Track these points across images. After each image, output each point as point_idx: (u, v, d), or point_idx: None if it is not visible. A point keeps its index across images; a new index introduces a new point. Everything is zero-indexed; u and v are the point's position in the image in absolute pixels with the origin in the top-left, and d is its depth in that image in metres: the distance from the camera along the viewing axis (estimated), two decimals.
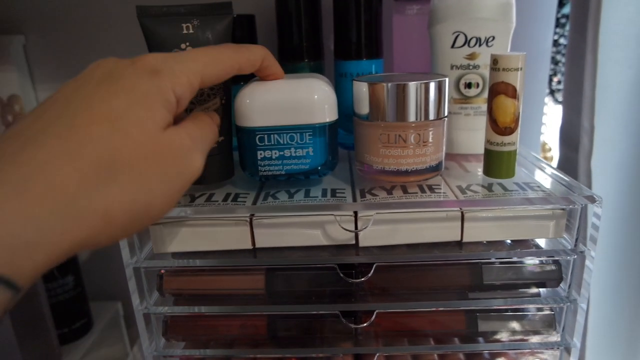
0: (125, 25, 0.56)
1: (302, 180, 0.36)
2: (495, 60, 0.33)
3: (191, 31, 0.35)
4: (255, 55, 0.30)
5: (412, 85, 0.32)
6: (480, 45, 0.38)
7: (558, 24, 0.49)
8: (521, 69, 0.32)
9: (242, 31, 0.46)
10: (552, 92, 0.52)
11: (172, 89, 0.24)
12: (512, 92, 0.33)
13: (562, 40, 0.48)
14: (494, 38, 0.38)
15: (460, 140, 0.41)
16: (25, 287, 0.18)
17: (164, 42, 0.35)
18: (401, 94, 0.32)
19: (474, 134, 0.40)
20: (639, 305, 0.46)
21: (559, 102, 0.58)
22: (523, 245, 0.35)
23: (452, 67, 0.39)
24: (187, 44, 0.35)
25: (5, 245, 0.17)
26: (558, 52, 0.50)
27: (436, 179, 0.37)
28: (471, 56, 0.39)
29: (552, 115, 0.57)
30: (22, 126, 0.21)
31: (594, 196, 0.31)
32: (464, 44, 0.38)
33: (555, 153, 0.65)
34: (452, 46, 0.39)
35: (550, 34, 0.49)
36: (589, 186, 0.40)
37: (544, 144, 0.57)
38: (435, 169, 0.34)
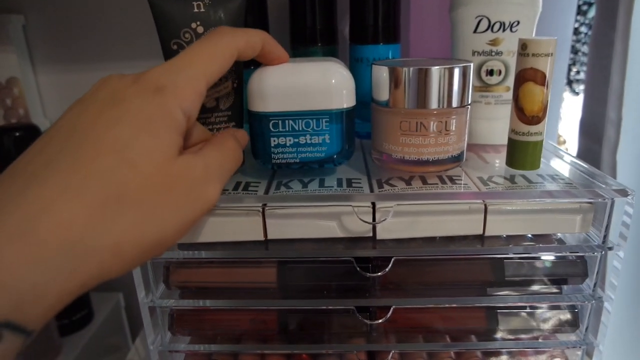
0: (129, 4, 0.54)
1: (316, 169, 0.35)
2: (524, 45, 0.31)
3: (202, 10, 0.34)
4: (254, 37, 0.28)
5: (435, 71, 0.30)
6: (504, 30, 0.36)
7: (579, 12, 0.47)
8: (552, 54, 0.31)
9: (253, 14, 0.44)
10: (569, 83, 0.50)
11: (180, 106, 0.23)
12: (542, 79, 0.31)
13: (582, 29, 0.46)
14: (518, 23, 0.36)
15: (479, 130, 0.39)
16: (37, 330, 0.18)
17: (173, 21, 0.33)
18: (423, 79, 0.30)
19: (494, 124, 0.38)
20: None
21: (576, 93, 0.56)
22: (544, 240, 0.33)
23: (473, 53, 0.37)
24: (198, 23, 0.33)
25: (12, 290, 0.17)
26: (578, 41, 0.48)
27: (456, 170, 0.35)
28: (494, 42, 0.37)
29: (568, 107, 0.56)
30: (26, 160, 0.20)
31: (626, 189, 0.30)
32: (487, 29, 0.37)
33: (570, 145, 0.63)
34: (475, 31, 0.37)
35: (571, 22, 0.48)
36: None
37: (559, 136, 0.55)
38: (457, 159, 0.33)
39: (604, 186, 0.31)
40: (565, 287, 0.34)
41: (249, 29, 0.28)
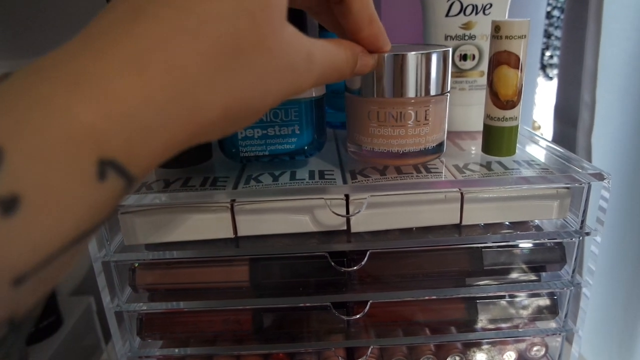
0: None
1: (287, 161, 0.33)
2: (497, 27, 0.30)
3: None
4: None
5: (412, 56, 0.29)
6: (477, 13, 0.35)
7: None
8: (525, 36, 0.30)
9: None
10: (543, 67, 0.49)
11: None
12: (515, 62, 0.30)
13: (555, 12, 0.46)
14: (491, 5, 0.35)
15: (455, 117, 0.38)
16: (139, 179, 0.16)
17: None
18: (399, 66, 0.29)
19: (469, 110, 0.38)
20: (634, 289, 0.44)
21: (550, 78, 0.56)
22: (522, 226, 0.33)
23: (446, 37, 0.36)
24: None
25: (124, 126, 0.14)
26: (551, 25, 0.48)
27: None
28: (467, 25, 0.36)
29: (542, 92, 0.55)
30: None
31: (602, 173, 0.29)
32: (459, 12, 0.36)
33: (545, 131, 0.63)
34: (447, 15, 0.36)
35: (543, 5, 0.47)
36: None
37: (534, 121, 0.55)
38: (436, 150, 0.32)
39: (580, 170, 0.30)
40: (544, 274, 0.33)
41: None
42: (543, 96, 0.54)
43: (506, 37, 0.30)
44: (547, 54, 0.49)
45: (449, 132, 0.39)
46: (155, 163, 0.16)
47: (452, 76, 0.37)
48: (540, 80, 0.52)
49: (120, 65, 0.15)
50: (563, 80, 0.40)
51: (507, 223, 0.33)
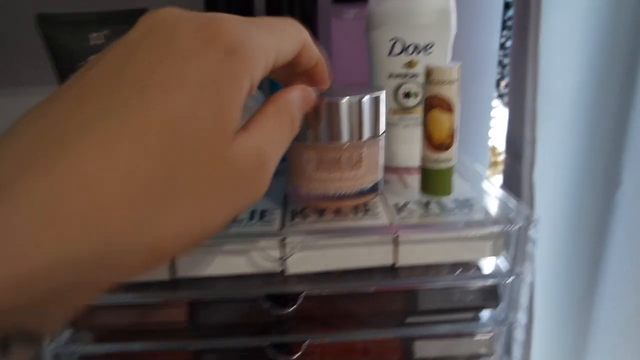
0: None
1: None
2: (428, 72, 0.31)
3: (102, 41, 0.32)
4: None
5: (345, 103, 0.29)
6: (418, 53, 0.36)
7: (505, 27, 0.48)
8: (456, 81, 0.30)
9: None
10: (500, 96, 0.50)
11: (251, 74, 0.18)
12: (447, 106, 0.31)
13: (508, 44, 0.47)
14: (433, 45, 0.36)
15: (400, 153, 0.39)
16: (54, 332, 0.15)
17: (69, 54, 0.32)
18: (332, 112, 0.29)
19: (413, 147, 0.38)
20: (583, 320, 0.45)
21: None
22: (460, 265, 0.33)
23: (390, 75, 0.37)
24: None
25: (28, 295, 0.13)
26: (505, 56, 0.49)
27: None
28: (409, 64, 0.36)
29: (502, 119, 0.56)
30: (56, 116, 0.15)
31: (530, 217, 0.30)
32: (401, 52, 0.36)
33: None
34: (390, 54, 0.36)
35: (496, 37, 0.48)
36: (532, 200, 0.39)
37: (494, 148, 0.56)
38: (372, 190, 0.32)
39: (511, 214, 0.31)
40: (482, 312, 0.34)
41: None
42: (503, 124, 0.55)
43: (437, 81, 0.30)
44: (503, 83, 0.50)
45: (396, 168, 0.40)
46: (74, 314, 0.15)
47: (396, 113, 0.38)
48: (502, 107, 0.52)
49: (33, 216, 0.13)
50: (511, 114, 0.40)
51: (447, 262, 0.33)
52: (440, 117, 0.31)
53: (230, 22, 0.18)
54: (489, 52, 0.48)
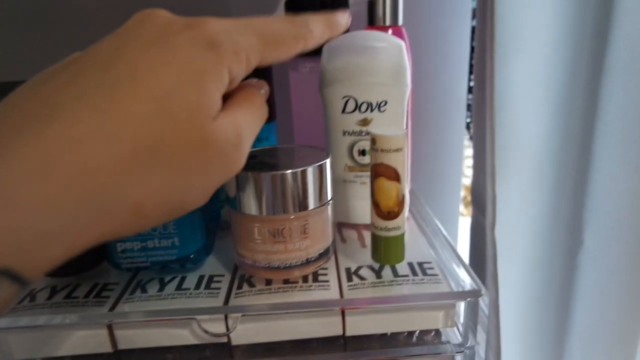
0: None
1: (176, 268, 0.33)
2: (373, 140, 0.30)
3: None
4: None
5: (289, 175, 0.28)
6: (372, 110, 0.35)
7: (472, 70, 0.47)
8: (402, 149, 0.30)
9: None
10: (471, 138, 0.49)
11: (229, 66, 0.20)
12: (394, 175, 0.30)
13: None
14: (386, 103, 0.35)
15: (358, 210, 0.38)
16: (34, 280, 0.16)
17: None
18: (276, 184, 0.28)
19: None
20: None
21: None
22: (412, 335, 0.32)
23: (344, 133, 0.36)
24: None
25: (16, 234, 0.15)
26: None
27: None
28: (363, 122, 0.36)
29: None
30: (52, 87, 0.17)
31: (479, 291, 0.29)
32: (354, 109, 0.35)
33: None
34: (343, 111, 0.36)
35: (464, 81, 0.47)
36: (494, 257, 0.38)
37: (468, 187, 0.55)
38: (321, 257, 0.31)
39: (461, 284, 0.30)
40: None
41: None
42: None
43: (382, 150, 0.29)
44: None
45: (354, 225, 0.39)
46: (58, 263, 0.17)
47: (352, 170, 0.37)
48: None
49: (26, 171, 0.15)
50: (475, 167, 0.39)
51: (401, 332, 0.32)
52: (386, 186, 0.30)
53: (214, 23, 0.21)
54: (458, 96, 0.47)
